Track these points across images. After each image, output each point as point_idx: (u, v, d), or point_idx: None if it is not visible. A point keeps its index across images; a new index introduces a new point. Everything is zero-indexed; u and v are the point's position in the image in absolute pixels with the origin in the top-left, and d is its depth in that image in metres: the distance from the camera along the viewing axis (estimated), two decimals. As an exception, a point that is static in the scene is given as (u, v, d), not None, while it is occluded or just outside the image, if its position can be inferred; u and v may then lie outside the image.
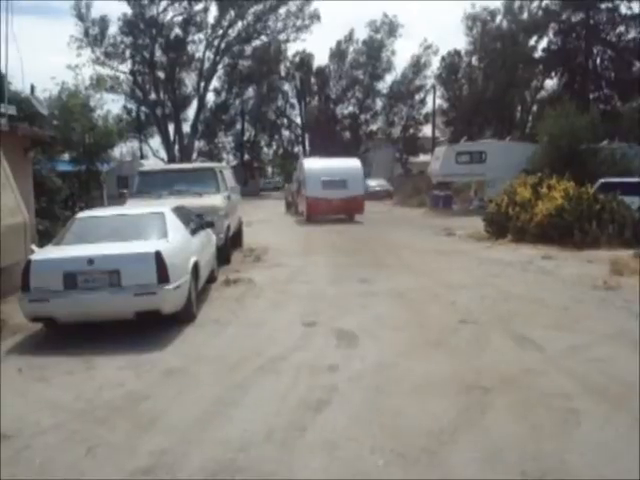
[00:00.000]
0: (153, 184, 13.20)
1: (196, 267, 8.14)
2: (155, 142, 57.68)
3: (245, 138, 60.67)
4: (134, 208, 9.47)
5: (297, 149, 60.70)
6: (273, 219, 26.99)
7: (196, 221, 9.53)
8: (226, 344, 6.90)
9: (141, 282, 6.96)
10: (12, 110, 10.99)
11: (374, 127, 58.18)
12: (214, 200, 12.43)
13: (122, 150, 38.58)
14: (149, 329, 7.27)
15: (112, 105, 60.05)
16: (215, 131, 59.10)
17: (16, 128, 10.89)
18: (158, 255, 6.99)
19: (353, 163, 25.72)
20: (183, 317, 7.63)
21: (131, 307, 6.95)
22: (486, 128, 46.00)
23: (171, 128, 56.32)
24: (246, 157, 60.78)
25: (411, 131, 55.80)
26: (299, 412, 4.82)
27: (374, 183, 44.76)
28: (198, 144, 59.10)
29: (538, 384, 5.29)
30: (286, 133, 61.36)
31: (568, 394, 5.01)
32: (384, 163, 55.09)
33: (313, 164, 25.72)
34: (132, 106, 54.61)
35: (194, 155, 56.24)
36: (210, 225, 10.21)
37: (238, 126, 60.38)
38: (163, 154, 56.01)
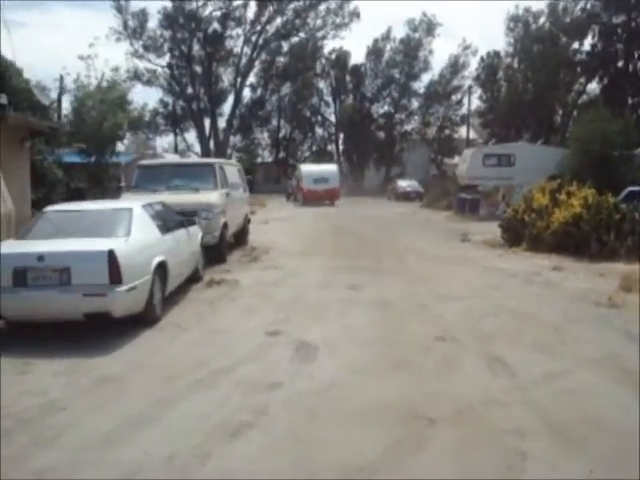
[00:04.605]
0: (152, 178, 12.90)
1: (163, 267, 7.72)
2: (191, 136, 58.04)
3: (281, 135, 60.27)
4: (105, 203, 9.16)
5: (330, 147, 60.12)
6: (296, 216, 26.77)
7: (174, 219, 9.13)
8: (176, 352, 6.46)
9: (91, 282, 6.56)
10: (3, 99, 10.77)
11: (409, 127, 57.36)
12: (210, 197, 12.04)
13: (162, 144, 38.81)
14: (107, 330, 6.91)
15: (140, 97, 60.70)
16: (251, 127, 58.89)
17: (6, 117, 10.68)
18: (111, 254, 6.58)
19: (332, 167, 40.39)
20: (143, 320, 7.21)
21: (79, 308, 6.54)
22: (524, 131, 44.65)
23: (207, 123, 56.52)
24: (281, 154, 60.29)
25: (447, 132, 54.79)
26: (213, 436, 4.34)
27: (405, 184, 43.82)
28: (233, 139, 59.14)
29: (493, 418, 4.69)
30: (319, 131, 60.88)
31: (523, 432, 4.39)
32: (419, 164, 54.27)
33: (307, 168, 39.64)
34: (169, 99, 55.15)
35: (229, 150, 56.27)
36: (192, 223, 9.80)
37: (274, 122, 60.05)
38: (198, 149, 56.23)
